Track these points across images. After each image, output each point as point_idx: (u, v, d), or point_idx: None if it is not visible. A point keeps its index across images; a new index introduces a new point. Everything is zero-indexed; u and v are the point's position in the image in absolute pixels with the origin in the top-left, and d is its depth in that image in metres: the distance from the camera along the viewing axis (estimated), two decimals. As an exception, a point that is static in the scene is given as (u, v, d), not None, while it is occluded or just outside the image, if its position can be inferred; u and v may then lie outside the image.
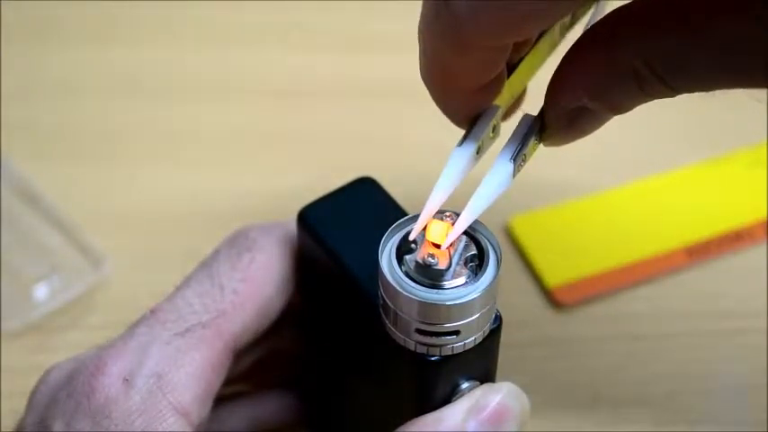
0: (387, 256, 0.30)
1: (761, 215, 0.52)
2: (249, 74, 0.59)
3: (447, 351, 0.30)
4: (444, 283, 0.29)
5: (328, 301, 0.35)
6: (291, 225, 0.35)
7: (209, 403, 0.33)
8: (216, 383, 0.34)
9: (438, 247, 0.29)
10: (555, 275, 0.49)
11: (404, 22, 0.61)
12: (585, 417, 0.45)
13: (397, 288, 0.29)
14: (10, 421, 0.35)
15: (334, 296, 0.34)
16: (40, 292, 0.48)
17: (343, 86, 0.58)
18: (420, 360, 0.30)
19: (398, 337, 0.30)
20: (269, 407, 0.41)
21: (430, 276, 0.29)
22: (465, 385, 0.31)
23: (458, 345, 0.30)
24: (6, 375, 0.45)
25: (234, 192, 0.53)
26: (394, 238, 0.30)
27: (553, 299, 0.48)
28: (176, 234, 0.51)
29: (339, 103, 0.57)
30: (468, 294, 0.29)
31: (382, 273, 0.30)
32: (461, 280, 0.29)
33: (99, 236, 0.50)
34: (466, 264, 0.30)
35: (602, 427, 0.44)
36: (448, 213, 0.30)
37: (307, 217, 0.34)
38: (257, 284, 0.35)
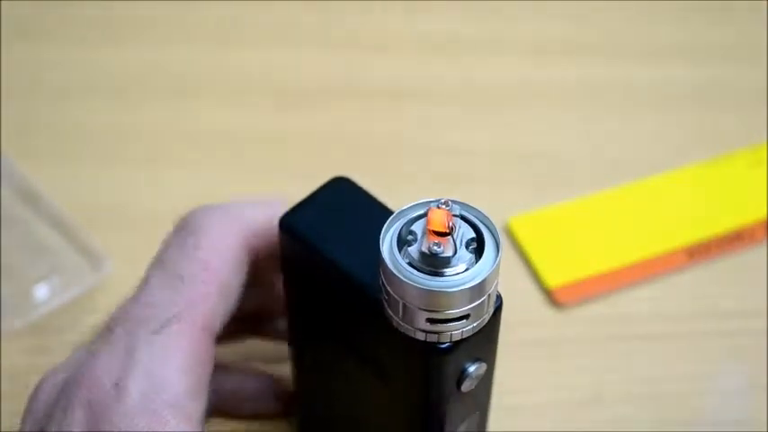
0: (388, 250, 0.30)
1: (761, 215, 0.52)
2: (249, 74, 0.59)
3: (457, 336, 0.30)
4: (450, 269, 0.29)
5: (322, 305, 0.34)
6: (236, 203, 0.36)
7: (204, 395, 0.34)
8: (205, 373, 0.34)
9: (441, 234, 0.29)
10: (555, 275, 0.49)
11: (404, 23, 0.62)
12: (585, 417, 0.45)
13: (405, 280, 0.29)
14: (9, 421, 0.35)
15: (329, 300, 0.34)
16: (40, 292, 0.48)
17: (343, 86, 0.58)
18: (431, 349, 0.30)
19: (407, 329, 0.30)
20: (257, 384, 0.42)
21: (436, 264, 0.29)
22: (472, 368, 0.31)
23: (467, 329, 0.30)
24: (6, 375, 0.45)
25: (233, 192, 0.53)
26: (392, 231, 0.30)
27: (553, 299, 0.48)
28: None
29: (339, 103, 0.57)
30: (477, 277, 0.29)
31: (387, 266, 0.29)
32: (465, 265, 0.29)
33: (99, 236, 0.49)
34: (466, 247, 0.30)
35: (602, 426, 0.44)
36: (444, 200, 0.30)
37: (290, 224, 0.33)
38: (213, 267, 0.35)
